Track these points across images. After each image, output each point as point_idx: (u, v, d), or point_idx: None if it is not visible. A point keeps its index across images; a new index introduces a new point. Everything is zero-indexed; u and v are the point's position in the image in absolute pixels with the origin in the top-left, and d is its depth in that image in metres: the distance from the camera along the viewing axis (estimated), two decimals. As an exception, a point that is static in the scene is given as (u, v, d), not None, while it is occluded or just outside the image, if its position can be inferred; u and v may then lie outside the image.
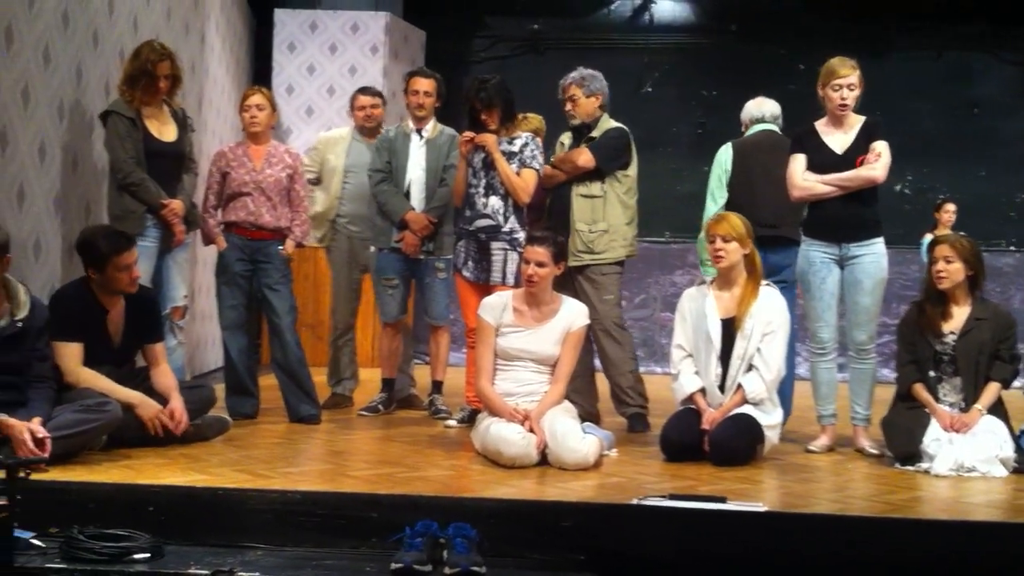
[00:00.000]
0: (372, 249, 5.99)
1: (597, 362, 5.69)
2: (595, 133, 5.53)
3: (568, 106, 5.61)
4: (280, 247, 5.47)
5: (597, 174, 5.47)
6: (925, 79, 10.04)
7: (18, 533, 3.32)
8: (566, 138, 5.70)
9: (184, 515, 3.61)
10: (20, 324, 4.11)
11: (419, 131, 5.83)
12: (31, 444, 3.85)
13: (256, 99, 5.48)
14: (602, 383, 5.70)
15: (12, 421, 3.91)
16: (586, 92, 5.53)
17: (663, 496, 3.63)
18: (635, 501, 3.59)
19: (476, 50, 10.61)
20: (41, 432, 3.91)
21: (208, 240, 5.50)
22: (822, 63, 5.01)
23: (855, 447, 4.92)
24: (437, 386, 5.88)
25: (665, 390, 5.30)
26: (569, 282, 5.43)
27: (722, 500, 3.59)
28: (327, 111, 9.33)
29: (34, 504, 3.40)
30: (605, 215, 5.46)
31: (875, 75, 9.95)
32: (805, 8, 10.26)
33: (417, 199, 5.76)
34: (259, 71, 9.76)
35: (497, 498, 3.68)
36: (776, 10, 10.30)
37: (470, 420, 5.38)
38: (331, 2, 9.57)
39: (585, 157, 5.45)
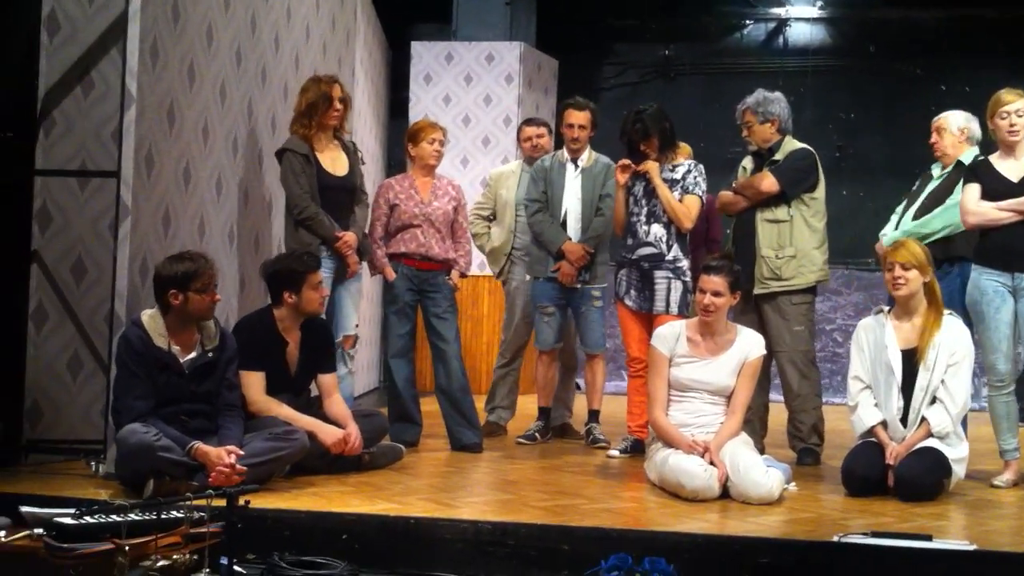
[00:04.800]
0: (527, 278, 6.02)
1: (773, 395, 5.50)
2: (778, 156, 5.37)
3: (744, 132, 5.49)
4: (447, 277, 5.55)
5: (783, 198, 5.29)
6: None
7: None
8: (748, 163, 5.54)
9: (378, 543, 3.66)
10: (211, 354, 4.24)
11: (574, 161, 5.85)
12: (227, 471, 3.96)
13: (439, 134, 5.57)
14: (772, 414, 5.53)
15: (207, 448, 4.02)
16: (760, 119, 5.38)
17: (865, 533, 3.54)
18: (836, 538, 3.51)
19: (606, 77, 10.64)
20: (232, 460, 4.01)
21: (375, 270, 5.59)
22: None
23: (1042, 482, 4.74)
24: (594, 415, 5.86)
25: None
26: (754, 311, 5.31)
27: (928, 538, 3.48)
28: (463, 140, 9.43)
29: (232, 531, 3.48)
30: (792, 240, 5.28)
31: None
32: (944, 27, 10.01)
33: (573, 229, 5.78)
34: (395, 102, 9.95)
35: (691, 532, 3.63)
36: (915, 30, 10.07)
37: (633, 450, 5.36)
38: (466, 33, 9.71)
39: (768, 182, 5.29)
